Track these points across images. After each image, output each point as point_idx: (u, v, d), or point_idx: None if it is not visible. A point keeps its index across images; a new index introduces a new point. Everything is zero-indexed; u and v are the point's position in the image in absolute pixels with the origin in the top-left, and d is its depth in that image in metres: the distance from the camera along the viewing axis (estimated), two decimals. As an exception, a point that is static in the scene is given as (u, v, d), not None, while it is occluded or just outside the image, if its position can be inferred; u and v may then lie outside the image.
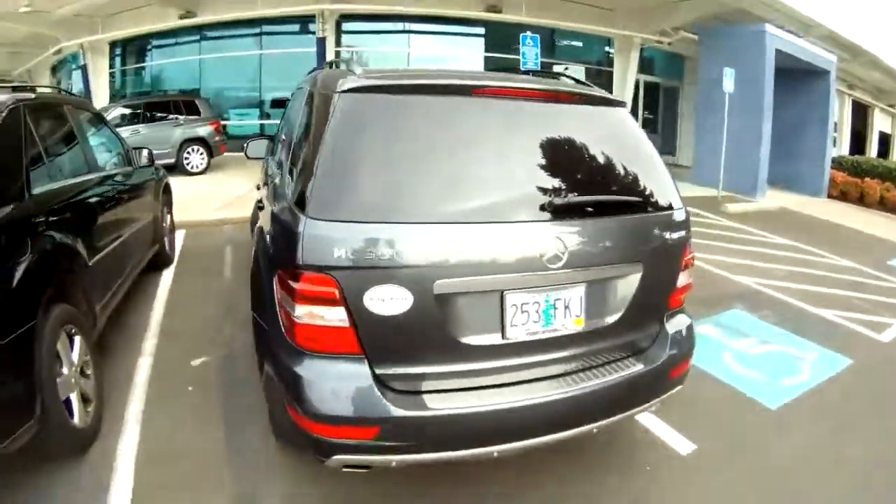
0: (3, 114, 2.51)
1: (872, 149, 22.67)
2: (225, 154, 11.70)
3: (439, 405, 1.89)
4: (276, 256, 2.12)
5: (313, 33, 13.73)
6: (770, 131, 11.74)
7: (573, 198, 2.09)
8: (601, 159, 2.25)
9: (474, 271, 1.91)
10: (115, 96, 14.92)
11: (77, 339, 2.72)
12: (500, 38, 14.06)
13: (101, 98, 14.52)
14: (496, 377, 2.01)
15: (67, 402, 2.53)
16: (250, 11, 13.24)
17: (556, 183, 2.08)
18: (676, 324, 2.45)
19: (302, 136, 2.37)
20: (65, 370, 2.54)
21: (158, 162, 5.56)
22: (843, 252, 7.79)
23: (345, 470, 1.98)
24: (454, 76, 2.23)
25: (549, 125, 2.20)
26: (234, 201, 8.25)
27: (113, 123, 10.38)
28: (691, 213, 2.50)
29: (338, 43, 14.11)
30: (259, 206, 3.53)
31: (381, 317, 1.83)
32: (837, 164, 14.81)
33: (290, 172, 2.36)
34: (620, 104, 2.49)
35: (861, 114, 22.30)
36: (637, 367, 2.24)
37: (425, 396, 1.91)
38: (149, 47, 15.81)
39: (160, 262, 5.20)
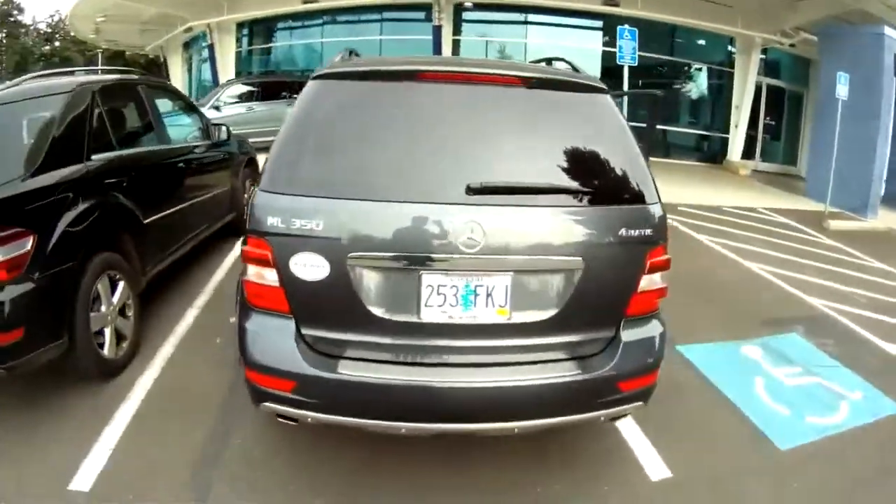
0: (71, 93, 3.17)
1: None
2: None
3: (349, 371, 2.09)
4: None
5: (431, 21, 14.19)
6: (888, 145, 10.57)
7: (494, 182, 2.05)
8: (553, 146, 2.20)
9: (388, 248, 2.04)
10: (240, 75, 16.42)
11: (121, 284, 3.32)
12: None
13: (227, 76, 16.08)
14: (410, 355, 2.15)
15: (100, 334, 3.14)
16: (368, -1, 13.96)
17: (486, 167, 2.09)
18: (638, 332, 2.30)
19: None
20: (103, 308, 3.15)
21: (269, 139, 6.24)
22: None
23: (278, 419, 2.28)
24: (413, 63, 2.32)
25: (502, 110, 2.21)
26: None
27: (230, 100, 11.73)
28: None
29: (456, 31, 14.52)
30: None
31: (304, 281, 2.06)
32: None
33: None
34: (598, 90, 2.35)
35: None
36: (573, 373, 2.17)
37: (340, 361, 2.12)
38: (275, 29, 17.23)
39: (240, 229, 5.89)
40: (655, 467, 2.72)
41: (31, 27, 46.46)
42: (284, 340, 2.14)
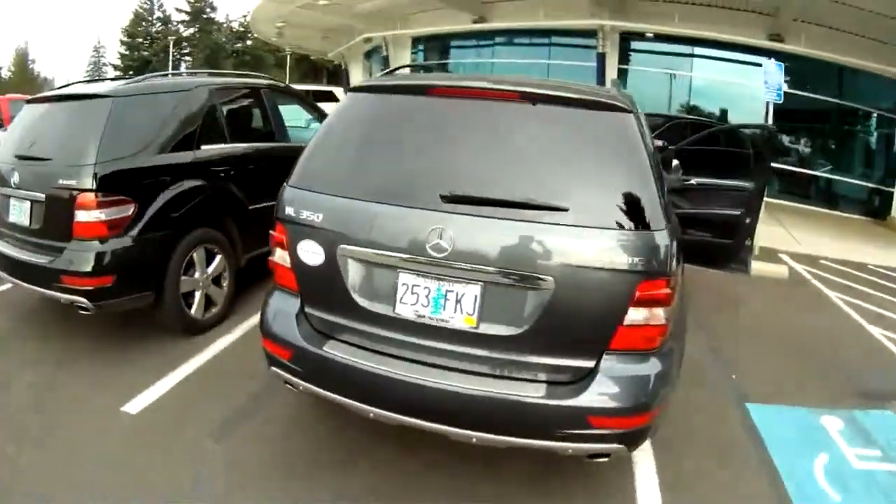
0: (189, 91, 3.91)
1: None
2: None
3: (331, 350, 2.32)
4: None
5: (594, 48, 14.14)
6: None
7: (467, 192, 2.14)
8: (547, 162, 2.21)
9: (371, 244, 2.24)
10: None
11: (217, 257, 3.96)
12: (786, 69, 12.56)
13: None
14: (384, 346, 2.30)
15: (191, 296, 3.78)
16: (533, 22, 14.39)
17: (471, 178, 2.19)
18: (624, 368, 2.16)
19: None
20: (197, 274, 3.79)
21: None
22: None
23: (286, 386, 2.57)
24: (430, 78, 2.56)
25: (503, 124, 2.28)
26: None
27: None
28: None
29: (622, 60, 14.27)
30: None
31: (307, 265, 2.35)
32: None
33: None
34: (616, 109, 2.28)
35: None
36: (535, 395, 2.13)
37: (327, 340, 2.37)
38: (448, 46, 18.25)
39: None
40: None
41: (224, 25, 53.20)
42: (289, 315, 2.46)
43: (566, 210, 2.09)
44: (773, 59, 7.52)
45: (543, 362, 2.18)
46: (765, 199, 10.48)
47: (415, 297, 2.24)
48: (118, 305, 3.42)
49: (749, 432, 3.22)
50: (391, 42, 18.27)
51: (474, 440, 2.20)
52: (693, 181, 4.54)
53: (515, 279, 2.13)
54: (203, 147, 3.88)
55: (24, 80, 41.66)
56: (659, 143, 8.58)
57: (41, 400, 3.10)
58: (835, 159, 13.61)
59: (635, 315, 2.10)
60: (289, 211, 2.41)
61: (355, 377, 2.29)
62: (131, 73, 34.16)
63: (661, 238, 2.09)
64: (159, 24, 53.80)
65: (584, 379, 2.15)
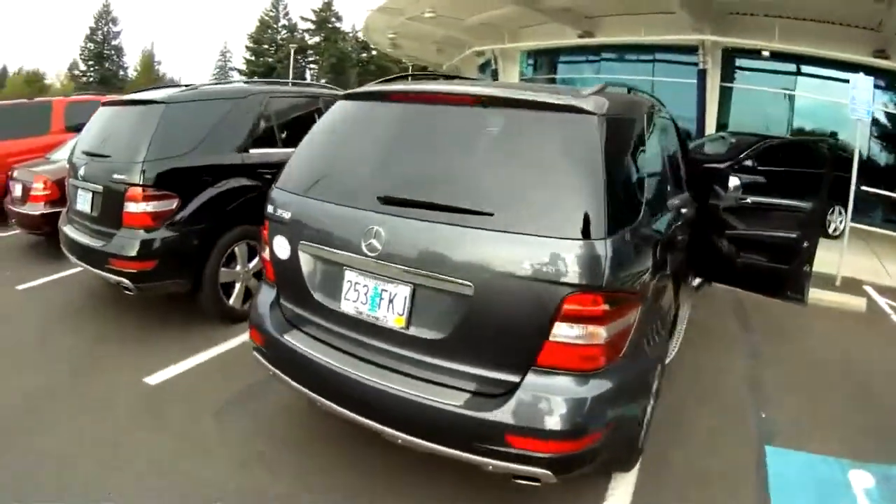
0: (242, 99, 4.37)
1: None
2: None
3: (291, 338, 2.54)
4: None
5: (696, 65, 13.64)
6: None
7: (402, 194, 2.26)
8: (482, 165, 2.24)
9: (321, 242, 2.44)
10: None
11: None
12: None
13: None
14: (332, 339, 2.46)
15: (231, 286, 4.19)
16: (635, 37, 14.21)
17: (409, 180, 2.33)
18: (551, 387, 2.06)
19: None
20: (238, 267, 4.21)
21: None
22: None
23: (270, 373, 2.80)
24: (409, 86, 2.69)
25: (458, 128, 2.38)
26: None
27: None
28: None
29: (724, 78, 13.64)
30: None
31: (279, 259, 2.60)
32: None
33: None
34: (573, 110, 2.20)
35: None
36: (452, 403, 2.12)
37: (290, 328, 2.59)
38: (556, 61, 18.23)
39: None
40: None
41: (350, 34, 55.63)
42: (265, 304, 2.73)
43: (491, 215, 2.08)
44: (861, 73, 6.81)
45: (468, 371, 2.17)
46: (866, 228, 9.51)
47: (356, 294, 2.37)
48: (157, 289, 3.91)
49: (756, 476, 2.95)
50: (500, 55, 18.60)
51: (400, 441, 2.24)
52: (749, 200, 4.30)
53: (439, 283, 2.16)
54: (252, 151, 4.30)
55: (150, 81, 45.53)
56: (748, 163, 8.09)
57: (74, 363, 3.59)
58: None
59: (566, 331, 2.02)
60: (269, 209, 2.68)
61: (308, 366, 2.47)
62: (255, 77, 37.05)
63: (598, 249, 1.99)
64: (284, 31, 57.79)
65: (507, 394, 2.09)
